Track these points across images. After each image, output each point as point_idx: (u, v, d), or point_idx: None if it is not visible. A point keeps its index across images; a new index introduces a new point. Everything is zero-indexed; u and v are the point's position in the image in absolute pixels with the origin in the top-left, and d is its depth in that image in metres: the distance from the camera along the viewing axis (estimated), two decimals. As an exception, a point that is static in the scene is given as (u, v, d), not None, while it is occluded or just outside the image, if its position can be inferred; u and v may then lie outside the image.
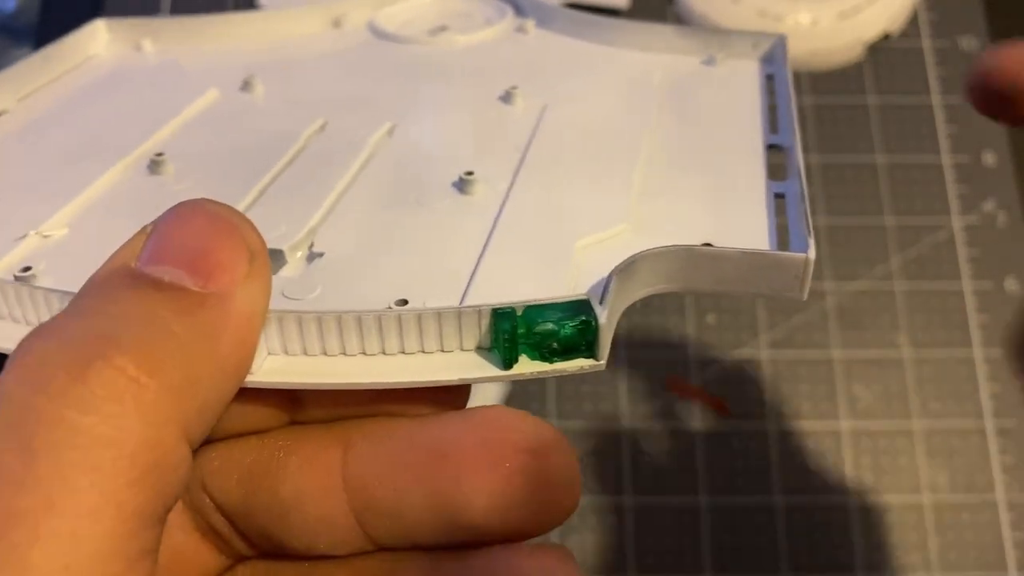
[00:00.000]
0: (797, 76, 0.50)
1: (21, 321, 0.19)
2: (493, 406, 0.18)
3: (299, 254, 0.21)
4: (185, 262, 0.15)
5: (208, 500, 0.18)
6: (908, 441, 0.44)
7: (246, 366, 0.16)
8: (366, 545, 0.18)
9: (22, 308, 0.19)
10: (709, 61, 0.31)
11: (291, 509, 0.18)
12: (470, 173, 0.23)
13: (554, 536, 0.42)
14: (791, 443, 0.44)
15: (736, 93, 0.29)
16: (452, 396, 0.19)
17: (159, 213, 0.19)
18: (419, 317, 0.17)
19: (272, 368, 0.17)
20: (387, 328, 0.17)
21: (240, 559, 0.20)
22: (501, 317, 0.17)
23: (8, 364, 0.14)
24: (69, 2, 0.54)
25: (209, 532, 0.19)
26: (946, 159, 0.50)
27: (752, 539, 0.42)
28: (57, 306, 0.18)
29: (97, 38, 0.33)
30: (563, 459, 0.17)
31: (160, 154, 0.25)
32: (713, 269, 0.19)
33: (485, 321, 0.18)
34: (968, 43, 0.52)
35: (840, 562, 0.42)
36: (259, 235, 0.16)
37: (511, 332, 0.17)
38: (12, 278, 0.19)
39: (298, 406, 0.19)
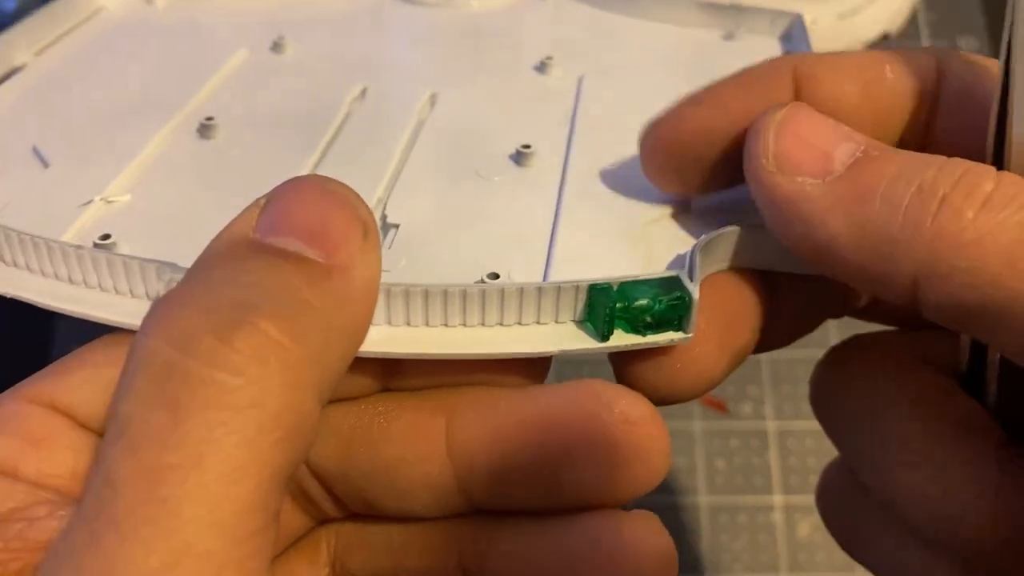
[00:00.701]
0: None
1: (110, 290, 0.19)
2: (591, 380, 0.19)
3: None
4: (306, 235, 0.16)
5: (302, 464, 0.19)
6: (908, 441, 0.44)
7: (363, 336, 0.16)
8: (462, 507, 0.19)
9: (113, 277, 0.19)
10: (729, 36, 0.31)
11: (393, 472, 0.19)
12: (527, 146, 0.24)
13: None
14: (791, 443, 0.44)
15: None
16: (537, 368, 0.20)
17: (219, 180, 0.20)
18: (520, 291, 0.18)
19: (378, 338, 0.18)
20: (489, 301, 0.18)
21: (323, 521, 0.20)
22: (599, 292, 0.18)
23: (148, 327, 0.14)
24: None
25: (298, 494, 0.20)
26: (945, 159, 0.50)
27: (752, 539, 0.42)
28: (155, 276, 0.18)
29: None
30: (657, 430, 0.18)
31: (210, 118, 0.25)
32: (782, 248, 0.20)
33: (582, 296, 0.18)
34: (967, 43, 0.52)
35: (839, 561, 0.42)
36: (369, 209, 0.17)
37: (610, 307, 0.18)
38: (92, 245, 0.19)
39: (393, 375, 0.19)
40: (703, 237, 0.20)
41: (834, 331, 0.45)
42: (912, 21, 0.53)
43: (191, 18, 0.32)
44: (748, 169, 0.19)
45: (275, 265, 0.15)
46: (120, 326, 0.18)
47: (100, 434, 0.17)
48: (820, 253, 0.17)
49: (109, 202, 0.22)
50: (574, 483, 0.18)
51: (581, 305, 0.18)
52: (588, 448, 0.18)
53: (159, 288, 0.18)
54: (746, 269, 0.21)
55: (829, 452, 0.43)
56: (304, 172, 0.23)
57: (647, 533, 0.18)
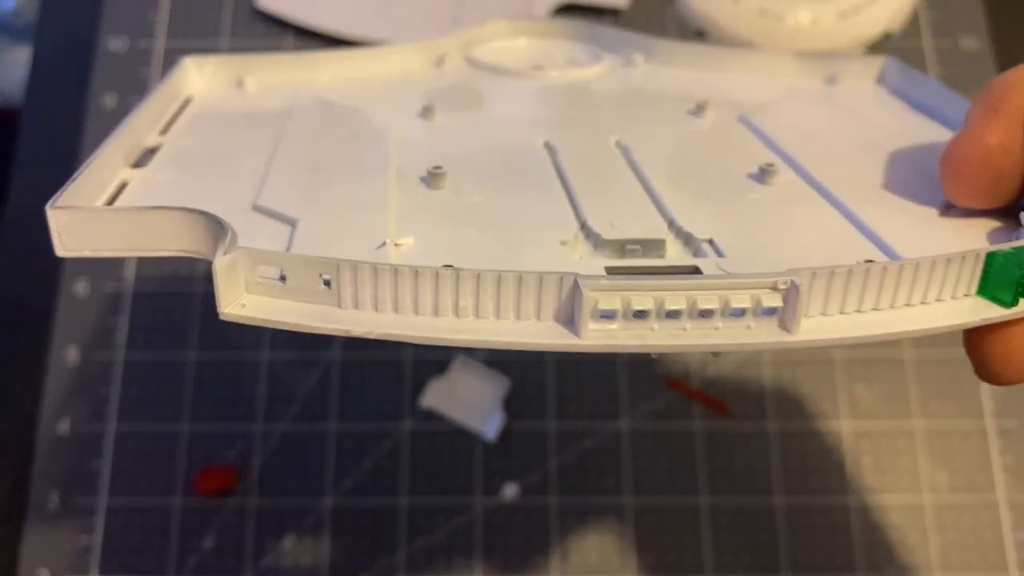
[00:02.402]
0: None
1: (490, 314, 0.18)
2: None
3: (677, 245, 0.21)
4: None
5: None
6: (908, 441, 0.44)
7: None
8: None
9: (514, 298, 0.18)
10: (830, 81, 0.31)
11: None
12: (771, 164, 0.23)
13: (553, 535, 0.42)
14: (791, 443, 0.44)
15: (884, 104, 0.29)
16: None
17: (485, 222, 0.20)
18: (916, 266, 0.18)
19: (809, 328, 0.18)
20: (919, 276, 0.18)
21: None
22: (1004, 257, 0.18)
23: None
24: (68, 1, 0.54)
25: None
26: (946, 159, 0.50)
27: (752, 539, 0.42)
28: (556, 288, 0.17)
29: (190, 78, 0.30)
30: None
31: (438, 167, 0.23)
32: None
33: (979, 264, 0.18)
34: (968, 42, 0.52)
35: (840, 562, 0.42)
36: None
37: (1021, 271, 0.18)
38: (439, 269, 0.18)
39: None
40: None
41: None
42: (914, 20, 0.52)
43: (320, 97, 0.30)
44: None
45: None
46: (531, 348, 0.17)
47: None
48: None
49: (398, 244, 0.20)
50: None
51: (977, 275, 0.18)
52: None
53: (553, 305, 0.17)
54: None
55: (829, 452, 0.43)
56: (564, 204, 0.22)
57: None
